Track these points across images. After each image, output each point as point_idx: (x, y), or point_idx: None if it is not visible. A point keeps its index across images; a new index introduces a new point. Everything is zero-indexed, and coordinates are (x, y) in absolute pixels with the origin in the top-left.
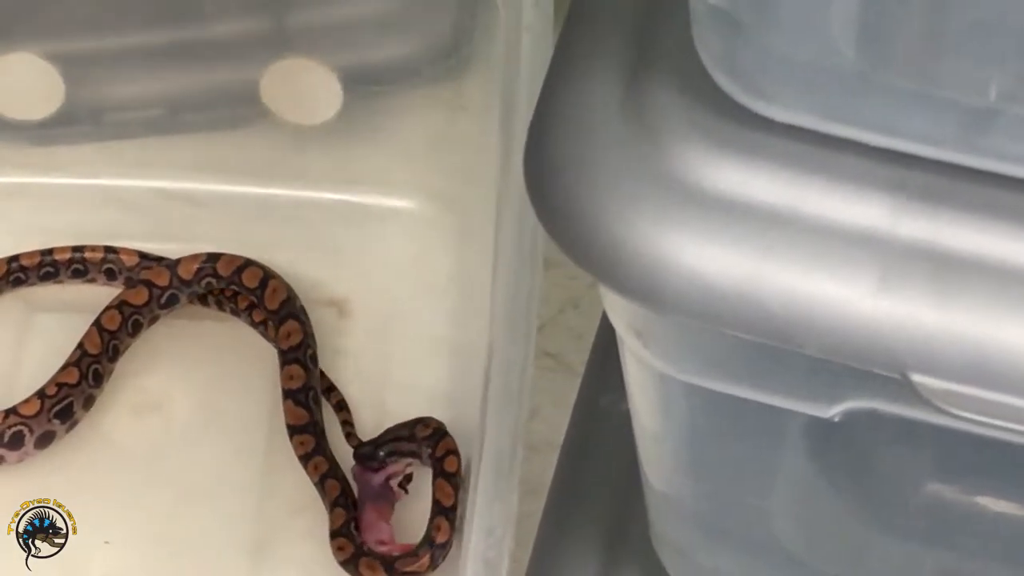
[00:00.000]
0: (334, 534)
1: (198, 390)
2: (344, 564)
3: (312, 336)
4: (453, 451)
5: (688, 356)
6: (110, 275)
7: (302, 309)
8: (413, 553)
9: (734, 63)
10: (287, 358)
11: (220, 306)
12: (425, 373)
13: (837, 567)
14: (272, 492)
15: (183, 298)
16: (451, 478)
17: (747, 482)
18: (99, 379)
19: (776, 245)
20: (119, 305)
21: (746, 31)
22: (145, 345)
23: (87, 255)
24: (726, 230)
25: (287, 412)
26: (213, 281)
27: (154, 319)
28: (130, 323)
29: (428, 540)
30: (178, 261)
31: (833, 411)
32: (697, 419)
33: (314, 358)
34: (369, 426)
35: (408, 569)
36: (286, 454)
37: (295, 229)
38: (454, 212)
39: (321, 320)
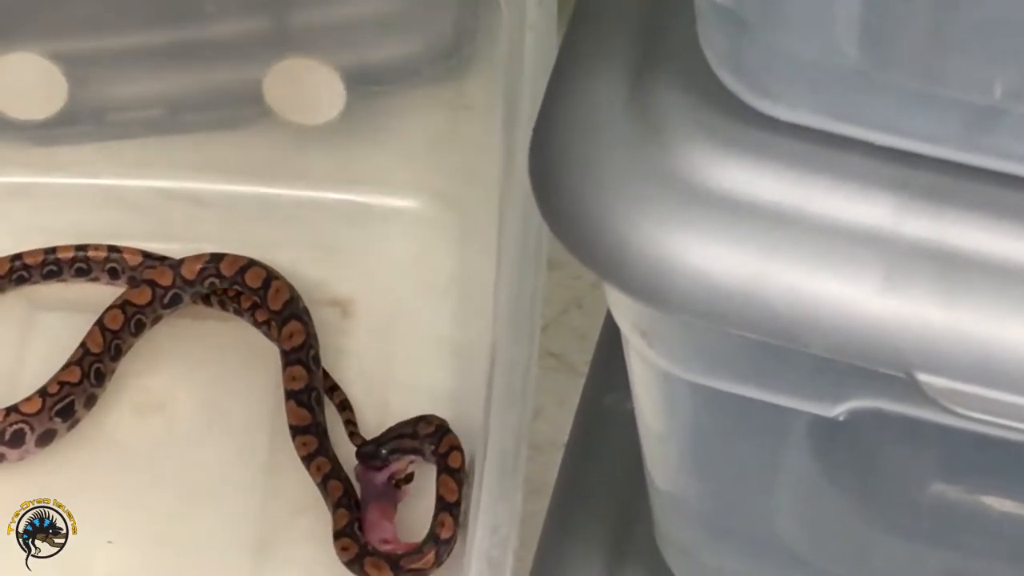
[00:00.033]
0: (338, 535)
1: (201, 390)
2: (349, 564)
3: (315, 337)
4: (457, 447)
5: (693, 355)
6: (113, 274)
7: (305, 310)
8: (418, 550)
9: (739, 62)
10: (289, 359)
11: (223, 306)
12: (428, 373)
13: (841, 566)
14: (275, 492)
15: (186, 298)
16: (455, 474)
17: (752, 481)
18: (101, 378)
19: (781, 244)
20: (122, 304)
21: (751, 29)
22: (148, 345)
23: (91, 254)
24: (731, 229)
25: (289, 413)
26: (216, 281)
27: (157, 319)
28: (133, 323)
29: (432, 536)
30: (181, 261)
31: (838, 410)
32: (702, 418)
33: (316, 359)
34: (372, 426)
35: (413, 566)
36: (289, 454)
37: (298, 229)
38: (457, 212)
39: (324, 320)
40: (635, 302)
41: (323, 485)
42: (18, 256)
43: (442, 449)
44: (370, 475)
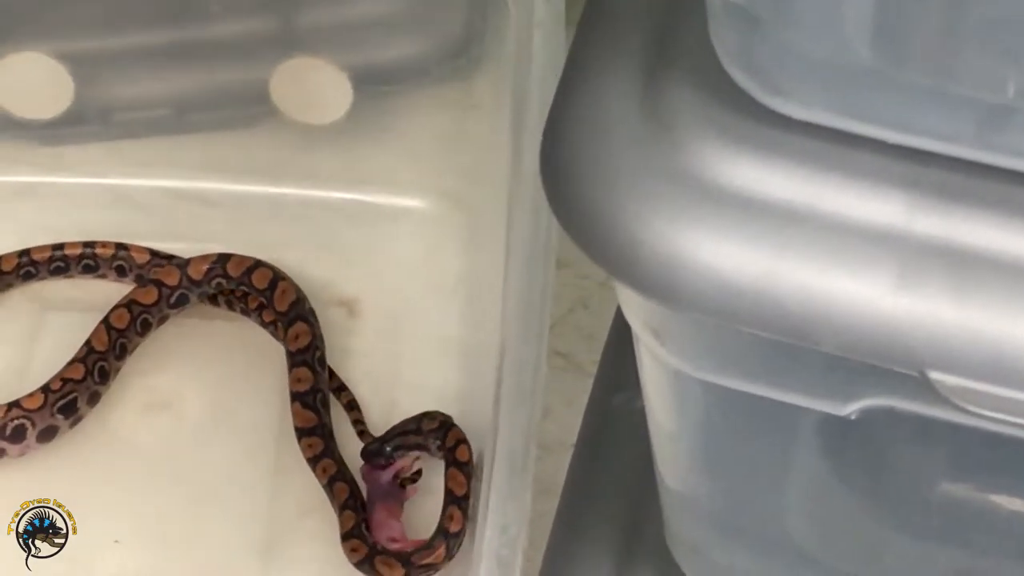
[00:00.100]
0: (346, 536)
1: (208, 390)
2: (359, 565)
3: (321, 338)
4: (463, 440)
5: (704, 354)
6: (120, 272)
7: (311, 311)
8: (428, 545)
9: (751, 60)
10: (295, 360)
11: (230, 306)
12: (435, 373)
13: (852, 565)
14: (281, 492)
15: (193, 298)
16: (463, 467)
17: (762, 480)
18: (105, 376)
19: (793, 242)
20: (128, 304)
21: (763, 27)
22: (155, 344)
23: (98, 251)
24: (743, 227)
25: (295, 415)
26: (223, 281)
27: (163, 318)
28: (139, 322)
29: (442, 530)
30: (188, 261)
31: (849, 409)
32: (713, 417)
33: (322, 360)
34: (379, 426)
35: (424, 562)
36: (295, 455)
37: (304, 229)
38: (464, 211)
39: (331, 320)
40: (646, 300)
41: (329, 487)
42: (25, 252)
43: (449, 443)
44: (376, 474)
